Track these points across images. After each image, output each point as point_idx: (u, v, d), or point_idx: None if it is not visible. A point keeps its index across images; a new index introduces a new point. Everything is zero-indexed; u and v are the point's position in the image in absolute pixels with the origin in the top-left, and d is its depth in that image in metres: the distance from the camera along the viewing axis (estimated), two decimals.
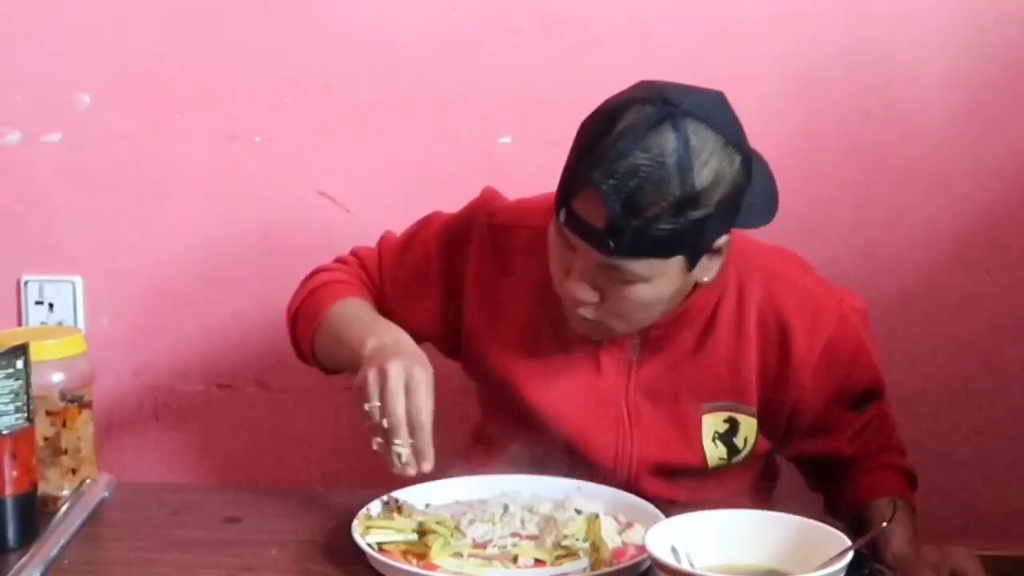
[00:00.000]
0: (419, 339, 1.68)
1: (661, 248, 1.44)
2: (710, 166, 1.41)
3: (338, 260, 1.78)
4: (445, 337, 1.70)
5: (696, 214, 1.42)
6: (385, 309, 1.69)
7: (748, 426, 1.63)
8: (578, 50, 2.08)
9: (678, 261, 1.46)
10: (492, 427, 1.73)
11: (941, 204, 2.09)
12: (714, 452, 1.63)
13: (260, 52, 2.12)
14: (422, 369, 1.47)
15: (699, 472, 1.64)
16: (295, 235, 2.16)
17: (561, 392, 1.63)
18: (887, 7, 2.04)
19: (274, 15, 2.11)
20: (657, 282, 1.47)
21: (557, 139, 2.06)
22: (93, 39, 2.14)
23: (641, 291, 1.48)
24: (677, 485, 1.63)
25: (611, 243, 1.42)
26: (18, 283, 2.21)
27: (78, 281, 2.21)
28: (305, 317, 1.70)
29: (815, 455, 1.70)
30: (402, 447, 1.45)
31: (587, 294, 1.49)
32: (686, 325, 1.60)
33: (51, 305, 2.21)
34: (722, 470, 1.65)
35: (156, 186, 2.18)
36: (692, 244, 1.46)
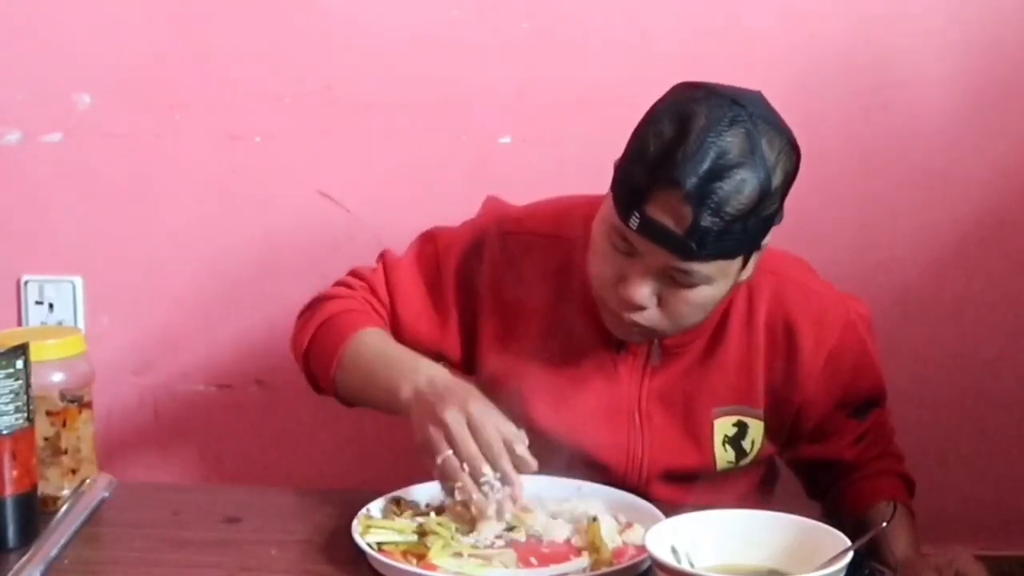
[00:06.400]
0: (433, 358, 1.67)
1: (735, 248, 1.45)
2: (781, 166, 1.44)
3: (340, 284, 1.72)
4: (460, 353, 1.69)
5: (766, 212, 1.44)
6: (398, 330, 1.67)
7: (756, 429, 1.64)
8: (578, 50, 2.08)
9: (739, 260, 1.48)
10: None
11: (941, 204, 2.09)
12: (723, 456, 1.64)
13: (260, 52, 2.12)
14: (476, 401, 1.47)
15: (707, 476, 1.64)
16: (295, 235, 2.16)
17: (573, 400, 1.62)
18: (887, 7, 2.04)
19: (274, 15, 2.11)
20: (718, 283, 1.48)
21: (557, 139, 2.09)
22: (93, 39, 2.14)
23: (703, 293, 1.48)
24: (684, 489, 1.63)
25: (693, 246, 1.41)
26: (18, 283, 2.21)
27: (78, 281, 2.21)
28: (321, 354, 1.64)
29: (816, 459, 1.70)
30: (490, 480, 1.44)
31: (647, 299, 1.48)
32: (701, 332, 1.60)
33: (51, 305, 2.21)
34: (729, 473, 1.65)
35: (156, 186, 2.18)
36: (757, 242, 1.48)
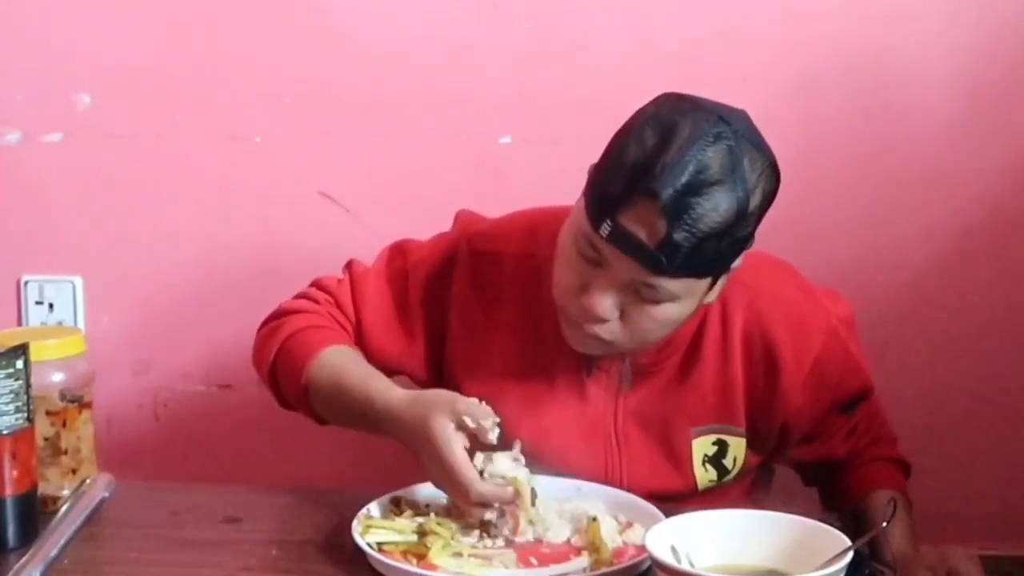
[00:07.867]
0: (398, 373, 1.65)
1: (705, 267, 1.42)
2: (761, 188, 1.41)
3: (303, 297, 1.68)
4: (426, 371, 1.66)
5: (740, 234, 1.41)
6: (362, 345, 1.64)
7: (737, 446, 1.61)
8: (578, 50, 2.08)
9: (707, 281, 1.45)
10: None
11: (941, 204, 2.09)
12: (704, 476, 1.61)
13: (260, 52, 2.12)
14: (461, 403, 1.46)
15: (689, 496, 1.61)
16: (295, 235, 2.16)
17: (547, 422, 1.59)
18: (887, 7, 2.04)
19: (274, 15, 2.11)
20: (684, 301, 1.45)
21: (557, 139, 2.09)
22: (93, 39, 2.14)
23: (667, 310, 1.45)
24: (667, 508, 1.60)
25: (663, 259, 1.38)
26: (18, 283, 2.21)
27: (78, 281, 2.21)
28: (289, 371, 1.60)
29: (809, 460, 1.69)
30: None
31: (609, 311, 1.44)
32: (674, 351, 1.58)
33: (51, 305, 2.21)
34: (713, 490, 1.62)
35: (156, 186, 2.18)
36: (727, 263, 1.45)
